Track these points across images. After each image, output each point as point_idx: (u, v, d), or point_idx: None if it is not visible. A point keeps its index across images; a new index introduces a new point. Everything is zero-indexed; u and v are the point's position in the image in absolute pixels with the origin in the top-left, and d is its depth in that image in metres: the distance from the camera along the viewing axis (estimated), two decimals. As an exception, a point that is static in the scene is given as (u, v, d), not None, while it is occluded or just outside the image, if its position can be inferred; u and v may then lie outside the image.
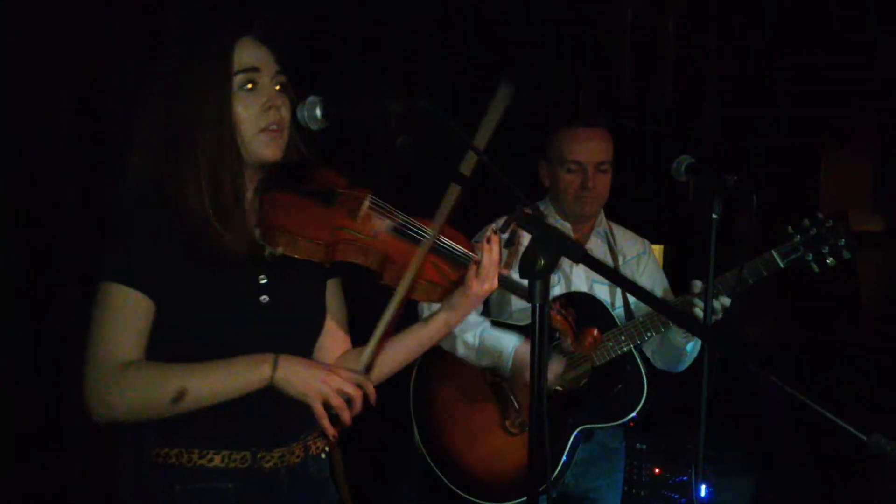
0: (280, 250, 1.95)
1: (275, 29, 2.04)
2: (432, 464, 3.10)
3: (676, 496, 3.85)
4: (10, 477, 3.19)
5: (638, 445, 3.97)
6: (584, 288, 3.15)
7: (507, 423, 3.05)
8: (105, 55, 3.31)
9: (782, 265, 2.90)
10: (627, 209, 3.98)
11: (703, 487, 2.78)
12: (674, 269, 4.55)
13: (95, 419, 1.88)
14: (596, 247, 3.23)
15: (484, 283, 2.06)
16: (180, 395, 1.85)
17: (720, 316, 2.86)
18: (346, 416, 1.88)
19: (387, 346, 2.10)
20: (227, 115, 1.93)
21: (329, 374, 1.90)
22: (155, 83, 1.99)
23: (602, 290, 3.17)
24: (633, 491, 3.92)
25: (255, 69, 1.96)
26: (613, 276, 1.81)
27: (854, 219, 3.54)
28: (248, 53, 1.96)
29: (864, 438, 1.60)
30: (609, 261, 3.23)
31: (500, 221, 2.80)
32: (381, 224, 2.06)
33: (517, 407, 3.05)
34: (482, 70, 4.48)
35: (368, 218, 2.04)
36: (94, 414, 1.88)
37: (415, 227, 2.07)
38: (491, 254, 2.07)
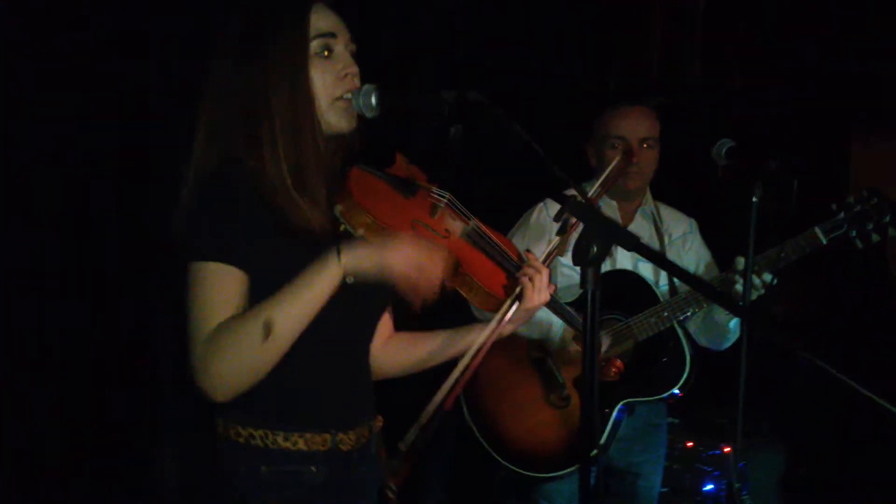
0: (360, 233, 1.90)
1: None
2: (479, 436, 3.17)
3: (710, 469, 3.91)
4: (96, 458, 3.29)
5: (670, 419, 4.02)
6: (628, 266, 3.21)
7: (552, 396, 3.12)
8: (146, 29, 3.37)
9: (825, 242, 2.94)
10: (668, 187, 4.01)
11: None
12: (714, 249, 4.59)
13: (215, 397, 1.83)
14: (641, 226, 3.29)
15: (541, 294, 2.08)
16: (268, 328, 1.79)
17: (762, 292, 2.92)
18: (427, 280, 1.85)
19: (433, 341, 2.17)
20: (305, 81, 1.88)
21: (393, 241, 1.86)
22: (223, 49, 1.93)
23: (647, 269, 3.22)
24: (667, 464, 3.97)
25: (331, 34, 1.92)
26: (660, 260, 1.87)
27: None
28: (324, 18, 1.92)
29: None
30: (655, 240, 3.29)
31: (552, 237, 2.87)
32: (456, 225, 2.07)
33: (561, 381, 3.12)
34: (513, 53, 4.52)
35: (444, 216, 2.05)
36: (210, 394, 1.83)
37: (485, 236, 2.09)
38: (545, 270, 2.11)
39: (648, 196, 3.33)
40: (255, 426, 1.92)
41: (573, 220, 1.98)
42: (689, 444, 3.95)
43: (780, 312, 4.44)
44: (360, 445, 2.02)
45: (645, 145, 3.20)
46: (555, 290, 2.15)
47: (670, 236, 3.31)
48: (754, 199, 2.59)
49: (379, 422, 2.11)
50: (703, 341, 3.24)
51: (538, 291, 2.07)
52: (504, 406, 3.17)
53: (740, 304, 2.72)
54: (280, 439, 1.92)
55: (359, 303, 1.98)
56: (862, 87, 4.68)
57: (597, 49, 4.82)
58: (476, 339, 2.06)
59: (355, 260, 1.83)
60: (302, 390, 1.94)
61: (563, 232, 2.01)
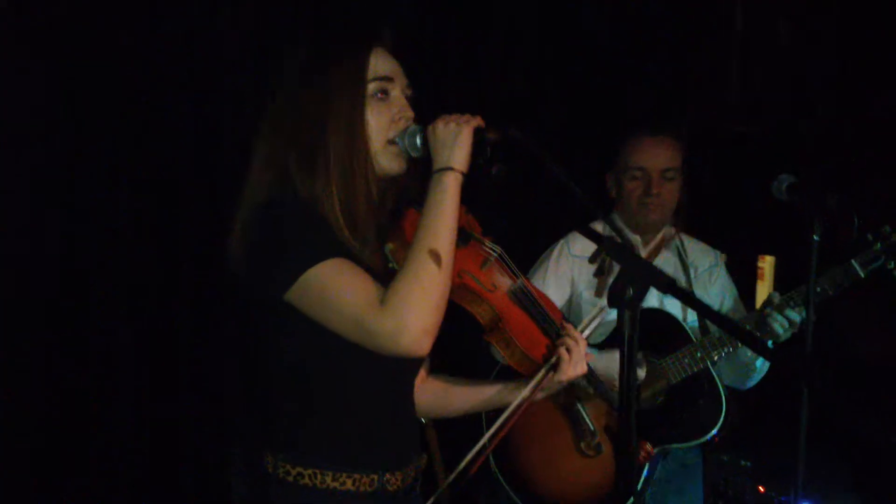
0: None
1: (405, 42, 2.06)
2: (506, 486, 3.11)
3: (782, 514, 3.80)
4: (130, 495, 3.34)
5: (742, 462, 3.92)
6: (654, 303, 3.12)
7: (583, 445, 3.04)
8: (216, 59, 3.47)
9: (863, 275, 2.85)
10: (734, 217, 3.94)
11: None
12: (785, 280, 4.47)
13: (419, 348, 1.83)
14: (667, 260, 3.20)
15: (576, 366, 2.05)
16: (437, 256, 1.84)
17: (796, 329, 2.84)
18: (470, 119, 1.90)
19: (466, 394, 2.18)
20: (360, 121, 1.92)
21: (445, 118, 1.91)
22: (283, 83, 1.98)
23: (674, 304, 3.14)
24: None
25: (388, 78, 1.97)
26: (694, 303, 1.80)
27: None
28: (382, 62, 1.97)
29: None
30: (681, 274, 3.20)
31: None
32: (503, 281, 2.06)
33: (592, 429, 3.04)
34: (589, 78, 4.50)
35: (493, 270, 2.05)
36: (413, 346, 1.82)
37: (531, 295, 2.08)
38: (583, 341, 2.08)
39: (674, 229, 3.25)
40: (305, 465, 1.93)
41: (609, 261, 1.97)
42: (761, 488, 3.84)
43: (867, 355, 4.29)
44: (405, 486, 2.03)
45: (667, 176, 3.13)
46: (593, 360, 2.13)
47: (696, 269, 3.24)
48: (815, 237, 2.52)
49: (423, 460, 2.12)
50: (726, 380, 3.14)
51: (574, 364, 2.05)
52: (533, 455, 3.10)
53: (781, 341, 2.67)
54: (329, 479, 1.94)
55: None
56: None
57: (674, 80, 4.78)
58: (506, 400, 2.08)
59: (459, 152, 1.88)
60: (352, 431, 1.96)
61: (600, 273, 1.99)
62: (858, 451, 3.99)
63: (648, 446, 2.25)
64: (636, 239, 3.19)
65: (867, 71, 4.68)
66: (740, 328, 2.80)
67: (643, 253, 3.18)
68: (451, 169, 1.88)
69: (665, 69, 4.73)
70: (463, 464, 1.99)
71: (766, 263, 4.82)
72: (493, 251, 2.06)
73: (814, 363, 2.54)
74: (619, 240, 1.80)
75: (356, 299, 1.82)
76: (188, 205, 3.46)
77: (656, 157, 3.13)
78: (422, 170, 1.98)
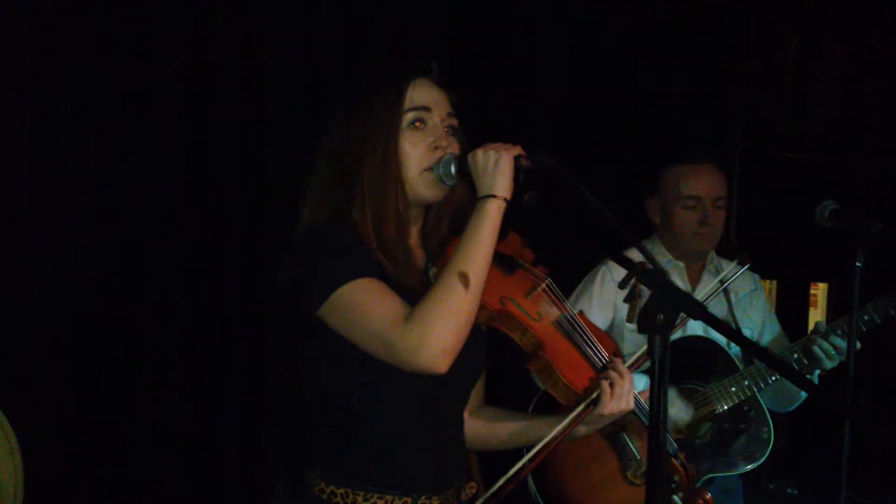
0: None
1: (453, 74, 2.10)
2: None
3: (826, 543, 3.73)
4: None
5: (788, 490, 3.87)
6: (699, 330, 3.11)
7: (629, 473, 2.99)
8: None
9: None
10: (787, 244, 3.90)
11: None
12: (838, 307, 4.42)
13: (440, 366, 1.85)
14: (708, 285, 3.15)
15: (620, 402, 2.02)
16: (465, 279, 1.87)
17: (843, 358, 2.81)
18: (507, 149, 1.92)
19: (513, 424, 2.18)
20: (393, 150, 1.97)
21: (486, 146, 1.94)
22: (335, 116, 2.07)
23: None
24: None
25: (425, 108, 2.02)
26: (731, 333, 1.81)
27: None
28: (421, 93, 2.02)
29: None
30: (722, 298, 3.17)
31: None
32: (549, 311, 2.06)
33: (638, 457, 2.99)
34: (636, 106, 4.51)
35: (539, 299, 2.05)
36: (434, 364, 1.85)
37: (580, 326, 2.08)
38: (628, 376, 2.05)
39: (713, 253, 3.24)
40: (338, 484, 1.96)
41: (639, 286, 1.97)
42: (807, 515, 3.80)
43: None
44: None
45: (718, 205, 3.13)
46: (646, 398, 2.07)
47: (737, 294, 3.21)
48: (857, 264, 2.50)
49: (472, 488, 2.10)
50: (768, 403, 3.11)
51: (617, 399, 2.02)
52: (577, 482, 3.05)
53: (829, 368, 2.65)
54: (360, 499, 1.95)
55: (451, 370, 1.97)
56: None
57: (723, 103, 4.77)
58: (545, 434, 2.06)
59: (501, 179, 1.90)
60: (386, 452, 1.97)
61: (630, 299, 2.00)
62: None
63: (709, 497, 2.19)
64: (680, 265, 3.19)
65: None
66: (780, 360, 2.81)
67: (686, 278, 3.18)
68: (494, 196, 1.91)
69: (716, 95, 4.72)
70: (488, 494, 1.99)
71: (819, 291, 4.78)
72: (542, 280, 2.07)
73: (857, 394, 2.52)
74: (650, 265, 1.81)
75: (381, 315, 1.87)
76: (239, 217, 3.53)
77: (711, 187, 3.13)
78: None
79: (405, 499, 1.97)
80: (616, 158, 4.37)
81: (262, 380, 3.62)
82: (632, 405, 2.05)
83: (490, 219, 1.91)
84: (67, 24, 3.15)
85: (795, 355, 2.92)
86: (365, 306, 1.88)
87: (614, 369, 2.04)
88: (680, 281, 3.18)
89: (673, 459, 2.16)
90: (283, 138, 3.62)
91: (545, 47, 4.35)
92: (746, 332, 3.16)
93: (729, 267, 3.22)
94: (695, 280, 3.22)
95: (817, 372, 2.92)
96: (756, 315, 3.22)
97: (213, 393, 3.53)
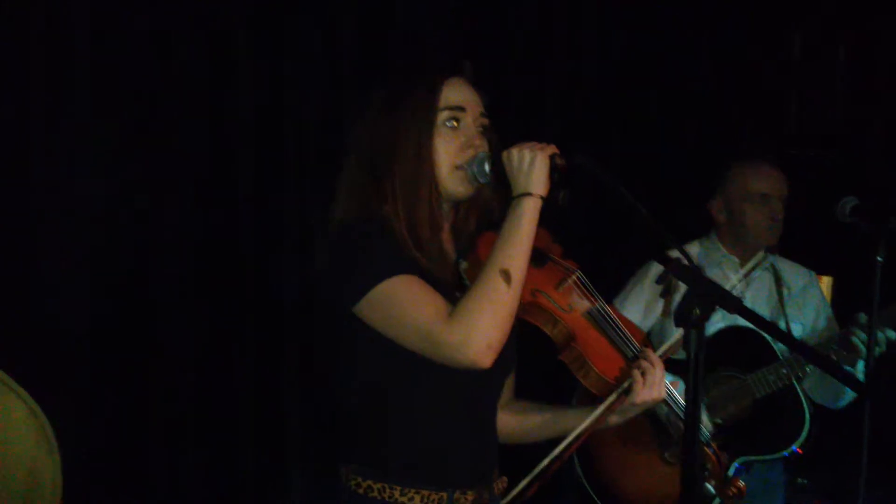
0: None
1: (483, 74, 2.12)
2: (591, 492, 3.16)
3: (840, 534, 3.77)
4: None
5: (800, 480, 3.91)
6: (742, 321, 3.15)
7: (667, 454, 3.07)
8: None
9: None
10: (795, 240, 3.94)
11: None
12: (843, 302, 4.46)
13: (483, 361, 1.88)
14: (761, 279, 3.26)
15: (652, 390, 2.04)
16: (507, 275, 1.90)
17: (884, 348, 2.86)
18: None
19: (543, 415, 2.20)
20: (427, 148, 1.99)
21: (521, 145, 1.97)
22: (366, 112, 2.08)
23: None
24: (796, 527, 3.87)
25: (460, 108, 2.03)
26: (762, 324, 1.85)
27: None
28: (455, 92, 2.04)
29: None
30: (774, 293, 3.24)
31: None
32: (580, 303, 2.09)
33: (676, 437, 3.00)
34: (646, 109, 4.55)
35: (569, 291, 2.08)
36: (477, 359, 1.87)
37: (610, 318, 2.10)
38: (660, 364, 2.08)
39: (764, 250, 3.29)
40: (375, 479, 1.97)
41: (675, 282, 2.00)
42: (820, 506, 3.84)
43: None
44: None
45: (783, 202, 3.22)
46: (678, 387, 2.12)
47: (790, 289, 3.28)
48: (878, 259, 2.55)
49: (502, 482, 2.12)
50: (817, 398, 3.18)
51: (649, 387, 2.03)
52: (618, 463, 3.13)
53: (860, 362, 2.68)
54: (397, 494, 1.96)
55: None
56: None
57: (732, 102, 4.81)
58: (575, 424, 2.08)
59: (537, 177, 1.93)
60: (423, 447, 1.99)
61: (666, 294, 2.03)
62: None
63: (741, 484, 2.22)
64: (734, 260, 3.25)
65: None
66: (814, 351, 2.86)
67: (740, 274, 3.22)
68: (530, 194, 1.94)
69: (724, 96, 4.77)
70: (522, 485, 2.01)
71: (824, 284, 4.83)
72: (572, 273, 2.11)
73: (877, 378, 2.57)
74: (685, 261, 1.85)
75: (424, 311, 1.90)
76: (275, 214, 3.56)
77: (781, 185, 3.23)
78: (506, 194, 2.04)
79: (441, 493, 1.98)
80: (628, 159, 4.41)
81: (277, 377, 3.64)
82: (664, 394, 2.08)
83: (528, 216, 1.94)
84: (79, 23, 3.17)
85: (835, 346, 2.97)
86: (406, 303, 1.91)
87: (646, 358, 2.07)
88: (733, 275, 3.19)
89: (705, 447, 2.20)
90: (298, 137, 3.65)
91: (560, 47, 4.39)
92: (797, 327, 3.23)
93: (784, 264, 3.31)
94: (748, 276, 3.26)
95: (861, 364, 2.96)
96: (809, 310, 3.28)
97: (228, 389, 3.54)
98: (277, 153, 3.63)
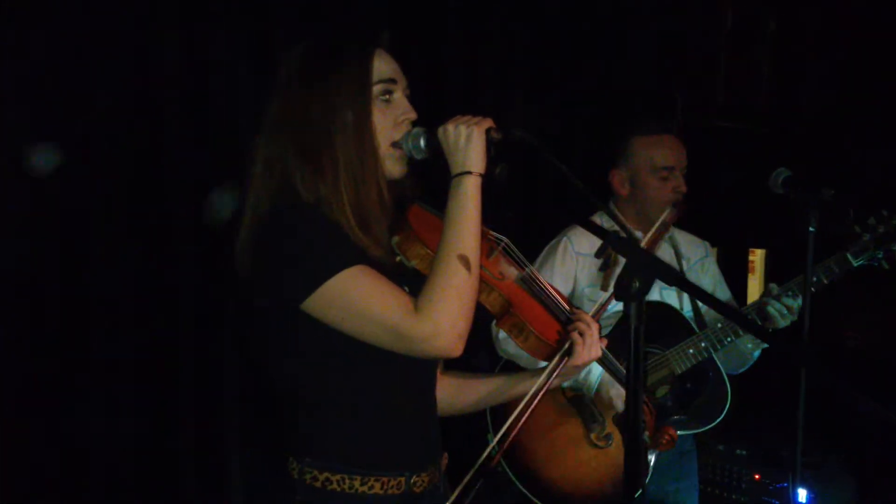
0: (414, 263, 1.96)
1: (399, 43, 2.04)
2: (515, 479, 3.09)
3: (776, 502, 3.85)
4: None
5: (738, 451, 3.98)
6: (654, 295, 3.16)
7: (593, 436, 3.05)
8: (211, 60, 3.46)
9: (855, 265, 2.92)
10: (725, 212, 3.98)
11: (803, 493, 2.79)
12: (775, 274, 4.54)
13: (453, 350, 1.86)
14: (663, 252, 3.26)
15: (591, 350, 2.06)
16: (466, 260, 1.87)
17: (795, 317, 2.92)
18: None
19: (483, 387, 2.20)
20: (368, 123, 1.91)
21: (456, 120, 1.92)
22: (284, 84, 1.95)
23: (671, 296, 3.20)
24: (734, 497, 3.93)
25: (392, 80, 1.95)
26: (702, 294, 1.85)
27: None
28: (385, 64, 1.95)
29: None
30: (675, 265, 3.26)
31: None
32: (510, 270, 2.09)
33: (601, 420, 3.05)
34: (579, 77, 4.55)
35: (499, 260, 2.08)
36: (447, 348, 1.85)
37: (539, 283, 2.12)
38: (595, 325, 2.09)
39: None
40: (333, 471, 1.93)
41: (614, 255, 2.00)
42: (757, 476, 3.90)
43: (852, 339, 4.36)
44: (431, 486, 2.02)
45: (684, 173, 3.21)
46: (606, 345, 2.14)
47: (689, 260, 3.30)
48: (811, 229, 2.58)
49: (444, 459, 2.12)
50: (721, 365, 3.18)
51: (588, 348, 2.06)
52: (542, 447, 3.08)
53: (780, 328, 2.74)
54: (357, 483, 1.93)
55: None
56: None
57: (661, 75, 4.83)
58: (524, 389, 2.09)
59: (474, 154, 1.90)
60: (378, 434, 1.96)
61: (605, 268, 2.02)
62: (852, 437, 4.06)
63: (672, 430, 2.28)
64: (638, 234, 3.24)
65: (855, 64, 4.75)
66: (746, 318, 2.90)
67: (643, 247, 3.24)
68: (470, 173, 1.90)
69: (655, 67, 4.79)
70: (483, 457, 2.01)
71: (757, 256, 4.91)
72: (499, 241, 2.10)
73: (811, 348, 2.61)
74: (623, 234, 1.83)
75: (387, 305, 1.84)
76: (189, 204, 3.46)
77: (681, 156, 3.21)
78: (416, 168, 2.01)
79: (399, 478, 1.96)
80: (562, 129, 4.41)
81: (217, 376, 3.56)
82: (600, 353, 2.10)
83: (472, 197, 1.90)
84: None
85: (750, 316, 2.99)
86: (365, 297, 1.84)
87: (581, 320, 2.08)
88: None
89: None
90: (229, 116, 3.55)
91: (492, 21, 4.35)
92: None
93: (682, 237, 3.32)
94: (652, 248, 3.27)
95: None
96: (706, 281, 3.30)
97: (168, 393, 3.46)
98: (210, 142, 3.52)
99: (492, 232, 2.10)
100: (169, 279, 3.42)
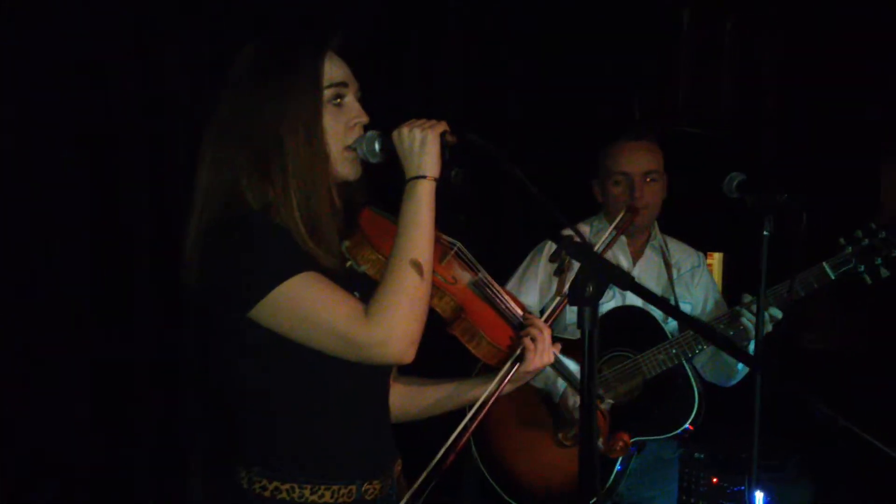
0: (364, 268, 1.95)
1: (351, 46, 2.01)
2: (487, 475, 3.17)
3: (734, 505, 3.87)
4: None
5: (696, 455, 3.99)
6: (637, 302, 3.18)
7: (561, 435, 3.09)
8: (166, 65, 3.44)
9: (833, 277, 2.92)
10: (685, 216, 3.99)
11: (760, 495, 2.80)
12: (733, 277, 4.56)
13: (406, 357, 1.85)
14: (650, 260, 3.28)
15: (543, 356, 2.06)
16: (418, 265, 1.85)
17: (770, 328, 2.89)
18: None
19: (437, 392, 2.19)
20: (318, 129, 1.88)
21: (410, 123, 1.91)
22: (233, 86, 1.92)
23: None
24: (692, 500, 3.94)
25: (343, 84, 1.94)
26: (657, 301, 1.86)
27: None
28: (336, 67, 1.93)
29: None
30: (663, 273, 3.27)
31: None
32: (463, 275, 2.08)
33: (569, 420, 3.06)
34: (537, 83, 4.55)
35: (451, 264, 2.07)
36: (400, 356, 1.84)
37: (493, 288, 2.10)
38: (547, 330, 2.09)
39: (656, 230, 3.32)
40: (282, 480, 1.90)
41: (569, 259, 2.00)
42: (714, 479, 3.92)
43: (813, 341, 4.39)
44: (384, 493, 2.00)
45: (648, 179, 3.18)
46: (559, 349, 2.14)
47: (679, 270, 3.30)
48: (765, 233, 2.59)
49: (398, 465, 2.09)
50: (709, 377, 3.23)
51: (540, 353, 2.06)
52: (514, 446, 3.14)
53: (750, 341, 2.73)
54: (307, 492, 1.91)
55: None
56: (893, 108, 4.64)
57: (620, 78, 4.85)
58: (475, 395, 2.09)
59: (428, 159, 1.88)
60: (328, 442, 1.94)
61: (559, 273, 2.02)
62: (808, 440, 4.08)
63: (626, 437, 2.29)
64: (622, 240, 3.25)
65: (811, 68, 4.79)
66: (712, 329, 2.90)
67: (629, 254, 3.25)
68: (424, 177, 1.89)
69: (614, 72, 4.80)
70: (434, 462, 2.00)
71: (715, 260, 4.93)
72: (452, 245, 2.09)
73: (767, 354, 2.61)
74: (577, 239, 1.83)
75: (336, 312, 1.82)
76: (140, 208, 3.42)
77: (638, 162, 3.18)
78: (368, 171, 2.00)
79: (350, 487, 1.94)
80: (520, 140, 4.41)
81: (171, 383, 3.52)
82: (552, 359, 2.09)
83: (426, 201, 1.89)
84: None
85: (721, 325, 3.00)
86: (315, 304, 1.82)
87: (533, 325, 2.08)
88: (622, 256, 3.25)
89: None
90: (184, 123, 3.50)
91: (456, 26, 4.35)
92: (686, 307, 3.24)
93: (675, 245, 3.33)
94: (637, 255, 3.30)
95: (752, 344, 2.97)
96: (698, 291, 3.30)
97: (124, 389, 3.41)
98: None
99: (444, 236, 2.09)
100: (124, 284, 3.38)
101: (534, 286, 3.25)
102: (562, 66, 4.66)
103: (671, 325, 3.19)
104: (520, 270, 3.31)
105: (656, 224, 3.32)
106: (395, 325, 1.82)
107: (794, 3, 4.91)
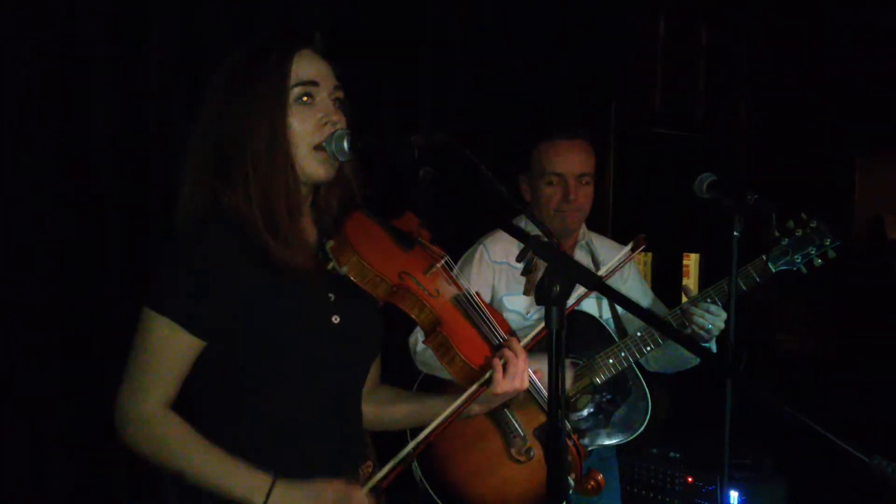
0: (345, 270, 1.93)
1: (334, 44, 2.02)
2: (438, 500, 3.00)
3: (709, 504, 3.88)
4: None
5: (671, 454, 4.00)
6: (589, 307, 3.14)
7: (513, 451, 2.95)
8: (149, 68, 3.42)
9: (774, 270, 2.91)
10: (660, 217, 4.01)
11: (734, 495, 2.80)
12: (710, 279, 4.58)
13: (124, 441, 1.91)
14: (579, 259, 3.18)
15: (513, 381, 1.97)
16: (180, 475, 1.89)
17: (721, 325, 2.86)
18: None
19: (409, 405, 2.18)
20: (281, 128, 1.89)
21: (323, 492, 1.89)
22: (210, 93, 1.95)
23: (590, 304, 3.16)
24: (667, 500, 3.96)
25: (312, 83, 1.93)
26: (626, 303, 1.81)
27: (891, 225, 3.53)
28: (307, 66, 1.93)
29: (867, 461, 1.63)
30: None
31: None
32: (447, 288, 2.05)
33: (522, 434, 2.96)
34: (517, 84, 4.56)
35: (436, 277, 2.04)
36: (119, 437, 1.91)
37: (477, 305, 2.06)
38: (522, 354, 2.01)
39: (584, 229, 3.24)
40: None
41: (536, 259, 1.98)
42: (689, 479, 3.93)
43: (785, 342, 4.41)
44: None
45: (583, 181, 3.11)
46: (540, 378, 2.07)
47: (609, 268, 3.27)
48: (735, 234, 2.59)
49: (367, 467, 2.07)
50: (653, 366, 3.17)
51: (510, 378, 1.97)
52: (462, 466, 2.98)
53: (714, 333, 2.74)
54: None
55: (350, 349, 1.99)
56: (866, 111, 4.68)
57: (599, 82, 4.87)
58: (438, 413, 2.03)
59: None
60: (293, 440, 1.93)
61: (527, 272, 2.01)
62: (781, 438, 4.11)
63: (599, 477, 2.20)
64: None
65: (779, 74, 4.83)
66: (669, 325, 2.87)
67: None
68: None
69: (590, 75, 4.82)
70: (378, 476, 1.98)
71: (692, 261, 4.96)
72: (440, 258, 2.07)
73: (736, 355, 2.61)
74: (544, 238, 1.83)
75: (136, 373, 1.89)
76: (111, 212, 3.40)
77: (573, 163, 3.10)
78: (372, 174, 2.01)
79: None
80: (494, 135, 4.41)
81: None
82: (526, 384, 2.02)
83: (239, 498, 1.89)
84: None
85: (673, 323, 2.95)
86: (139, 348, 1.89)
87: (509, 348, 2.01)
88: None
89: (566, 440, 2.18)
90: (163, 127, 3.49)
91: (429, 23, 4.35)
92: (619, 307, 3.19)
93: (601, 242, 3.28)
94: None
95: (714, 342, 2.96)
96: (628, 289, 3.24)
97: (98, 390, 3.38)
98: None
99: (434, 247, 2.08)
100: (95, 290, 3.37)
101: (468, 284, 3.13)
102: (537, 74, 4.66)
103: (606, 319, 3.15)
104: (456, 268, 3.19)
105: (584, 223, 3.24)
106: (128, 436, 1.90)
107: (767, 13, 4.94)
